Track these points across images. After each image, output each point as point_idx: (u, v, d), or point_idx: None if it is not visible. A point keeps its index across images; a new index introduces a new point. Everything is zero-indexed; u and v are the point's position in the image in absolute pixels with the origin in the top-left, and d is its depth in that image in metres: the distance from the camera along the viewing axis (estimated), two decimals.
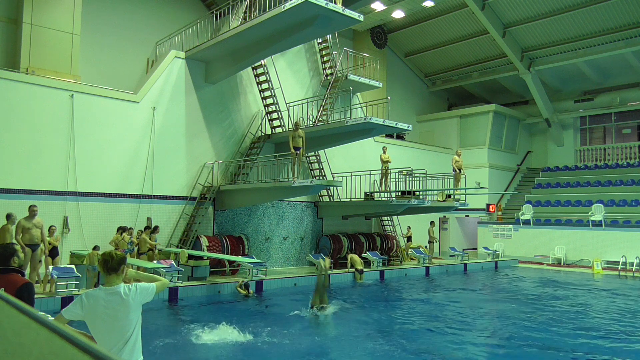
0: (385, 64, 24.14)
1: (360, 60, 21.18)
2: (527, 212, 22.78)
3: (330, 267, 10.68)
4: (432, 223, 20.52)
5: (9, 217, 10.34)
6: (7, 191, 12.11)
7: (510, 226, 22.91)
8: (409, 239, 19.81)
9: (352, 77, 18.64)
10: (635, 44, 21.22)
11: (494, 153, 25.33)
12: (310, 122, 17.41)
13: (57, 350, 0.79)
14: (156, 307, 10.46)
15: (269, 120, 16.94)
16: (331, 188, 18.27)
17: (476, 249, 23.88)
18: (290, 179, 14.18)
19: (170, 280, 11.40)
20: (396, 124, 14.84)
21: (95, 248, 11.57)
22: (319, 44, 19.05)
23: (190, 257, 13.21)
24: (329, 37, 18.93)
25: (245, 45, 14.08)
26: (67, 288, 10.43)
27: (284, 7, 11.59)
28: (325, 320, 9.93)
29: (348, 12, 11.73)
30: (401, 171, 17.91)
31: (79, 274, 10.75)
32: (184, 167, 15.32)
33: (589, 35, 21.89)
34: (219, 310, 11.04)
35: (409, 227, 19.93)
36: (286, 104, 17.17)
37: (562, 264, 20.72)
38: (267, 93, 16.75)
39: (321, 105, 18.15)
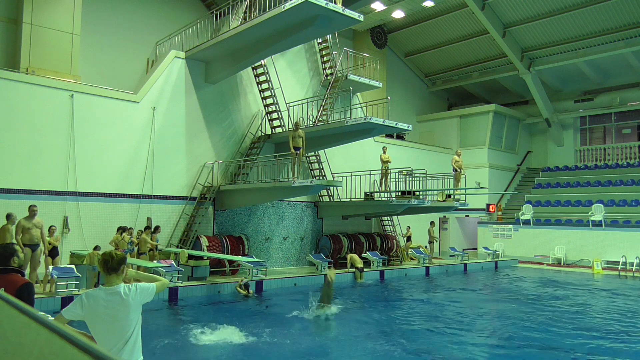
0: (385, 64, 24.14)
1: (360, 60, 21.18)
2: (527, 212, 22.78)
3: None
4: (432, 223, 20.53)
5: (9, 217, 10.35)
6: (7, 191, 12.11)
7: (510, 226, 22.91)
8: (408, 238, 19.81)
9: (352, 77, 18.64)
10: (635, 44, 21.23)
11: (494, 153, 25.34)
12: (310, 122, 17.41)
13: (57, 350, 0.79)
14: (156, 307, 10.46)
15: (269, 120, 16.94)
16: (331, 188, 18.27)
17: (476, 249, 23.88)
18: (290, 179, 14.18)
19: (170, 280, 11.40)
20: (396, 124, 14.84)
21: (96, 248, 11.57)
22: (319, 44, 19.05)
23: (190, 257, 13.21)
24: (329, 37, 18.93)
25: (245, 45, 14.08)
26: (67, 288, 10.42)
27: (284, 7, 11.59)
28: (326, 320, 9.93)
29: (348, 12, 11.73)
30: (401, 171, 17.91)
31: (79, 274, 10.75)
32: (184, 167, 15.32)
33: (589, 35, 21.89)
34: (219, 310, 11.04)
35: (409, 227, 19.93)
36: (286, 104, 17.17)
37: (562, 264, 20.72)
38: (267, 93, 16.75)
39: (321, 105, 18.15)
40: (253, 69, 16.75)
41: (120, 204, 13.93)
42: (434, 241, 20.51)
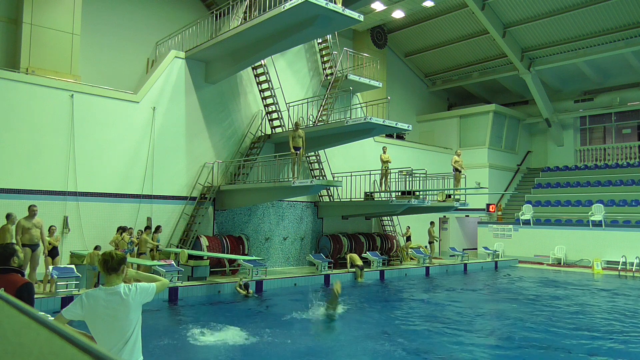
0: (385, 64, 24.14)
1: (360, 60, 21.18)
2: (527, 212, 22.78)
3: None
4: (432, 223, 20.53)
5: (9, 217, 10.35)
6: (7, 191, 12.11)
7: (510, 226, 22.91)
8: (408, 238, 19.81)
9: (352, 77, 18.64)
10: (635, 44, 21.23)
11: (494, 153, 25.34)
12: (310, 122, 17.41)
13: (57, 350, 0.79)
14: (156, 307, 10.46)
15: (269, 120, 16.94)
16: (331, 188, 18.27)
17: (476, 249, 23.88)
18: (290, 179, 14.18)
19: (170, 280, 11.40)
20: (396, 124, 14.84)
21: (97, 248, 11.57)
22: (319, 44, 19.05)
23: (190, 257, 13.21)
24: (329, 37, 18.93)
25: (245, 45, 14.08)
26: (67, 288, 10.43)
27: (284, 7, 11.59)
28: (326, 321, 9.92)
29: (348, 12, 11.73)
30: (401, 171, 17.91)
31: (79, 274, 10.75)
32: (184, 167, 15.32)
33: (589, 35, 21.89)
34: (219, 310, 11.04)
35: (408, 227, 19.93)
36: (286, 104, 17.18)
37: (562, 264, 20.72)
38: (267, 93, 16.75)
39: (321, 105, 18.15)
40: (253, 69, 16.75)
41: (120, 204, 13.93)
42: (435, 241, 20.52)
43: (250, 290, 12.48)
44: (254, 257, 14.49)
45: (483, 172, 24.44)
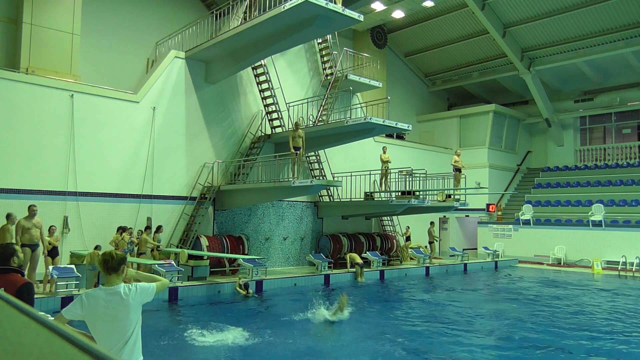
0: (385, 64, 24.14)
1: (360, 60, 21.18)
2: (527, 212, 22.78)
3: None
4: (432, 223, 20.54)
5: (9, 217, 10.35)
6: (7, 191, 12.11)
7: (510, 226, 22.91)
8: (407, 238, 19.81)
9: (352, 77, 18.64)
10: (635, 44, 21.23)
11: (494, 153, 25.34)
12: (310, 122, 17.41)
13: (57, 350, 0.79)
14: (156, 307, 10.46)
15: (269, 120, 16.94)
16: (331, 188, 18.27)
17: (476, 249, 23.88)
18: (290, 179, 14.18)
19: (170, 280, 11.40)
20: (396, 124, 14.84)
21: (97, 248, 11.57)
22: (319, 44, 19.05)
23: (190, 257, 13.21)
24: (329, 37, 18.93)
25: (245, 45, 14.08)
26: (67, 288, 10.43)
27: (284, 7, 11.59)
28: (327, 320, 9.92)
29: (348, 12, 11.73)
30: (401, 171, 17.91)
31: (79, 274, 10.75)
32: (184, 167, 15.32)
33: (589, 35, 21.89)
34: (219, 310, 11.04)
35: (408, 227, 19.93)
36: (286, 104, 17.18)
37: (562, 264, 20.73)
38: (267, 93, 16.75)
39: (321, 105, 18.15)
40: (253, 69, 16.75)
41: (120, 204, 13.93)
42: (435, 241, 20.52)
43: (250, 290, 12.48)
44: (253, 257, 14.49)
45: (483, 172, 24.44)
